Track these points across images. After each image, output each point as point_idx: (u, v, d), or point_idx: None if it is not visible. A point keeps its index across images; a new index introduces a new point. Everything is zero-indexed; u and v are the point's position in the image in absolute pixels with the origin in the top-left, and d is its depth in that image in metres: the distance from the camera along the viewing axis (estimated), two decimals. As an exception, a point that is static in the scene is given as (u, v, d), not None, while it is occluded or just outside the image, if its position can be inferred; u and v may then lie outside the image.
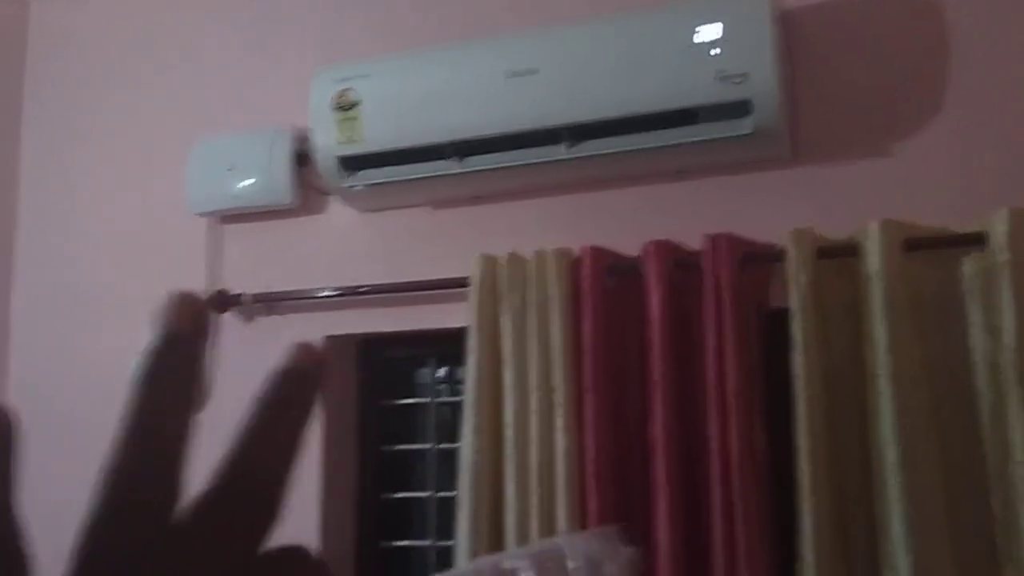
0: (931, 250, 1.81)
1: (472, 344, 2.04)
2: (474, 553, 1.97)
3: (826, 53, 2.03)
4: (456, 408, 2.13)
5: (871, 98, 1.98)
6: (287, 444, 0.36)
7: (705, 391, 1.87)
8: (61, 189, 2.77)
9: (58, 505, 2.56)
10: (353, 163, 2.20)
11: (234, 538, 0.35)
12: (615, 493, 1.92)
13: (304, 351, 0.37)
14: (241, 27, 2.63)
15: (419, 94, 2.12)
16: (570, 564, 1.53)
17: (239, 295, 2.40)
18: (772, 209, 2.01)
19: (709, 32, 1.87)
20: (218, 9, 2.67)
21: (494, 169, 2.10)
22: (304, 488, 2.31)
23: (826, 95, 2.01)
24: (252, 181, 2.39)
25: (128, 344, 2.54)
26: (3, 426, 0.34)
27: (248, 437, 0.36)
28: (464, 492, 2.00)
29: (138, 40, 2.75)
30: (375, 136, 2.15)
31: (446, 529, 2.10)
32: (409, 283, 2.24)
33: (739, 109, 1.88)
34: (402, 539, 2.43)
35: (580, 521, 1.90)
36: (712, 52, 1.87)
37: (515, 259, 2.06)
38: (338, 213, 2.39)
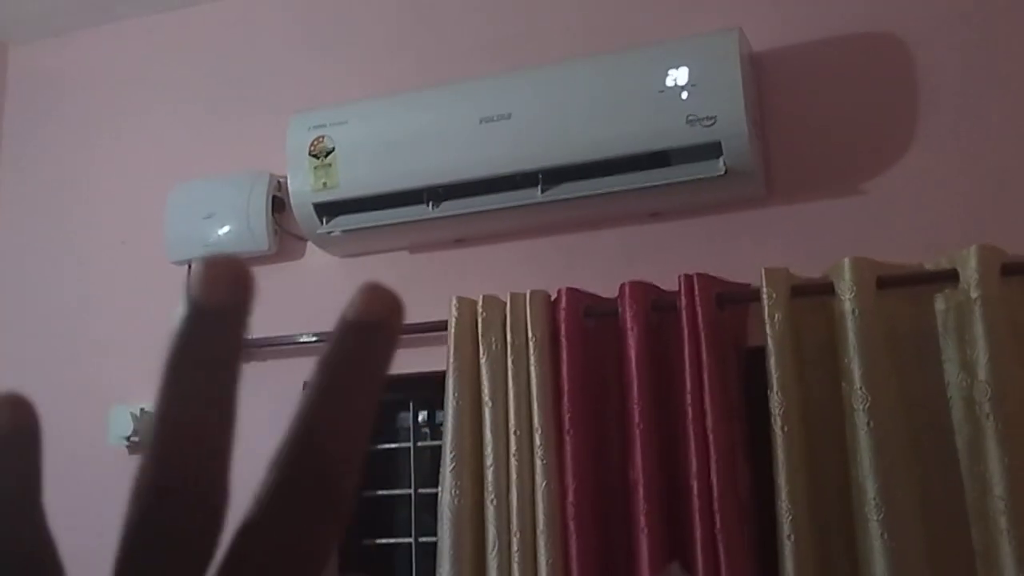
0: (904, 287, 1.84)
1: (451, 387, 2.04)
2: (456, 599, 1.95)
3: (797, 94, 2.06)
4: (437, 452, 2.13)
5: (842, 138, 2.01)
6: (358, 420, 0.29)
7: (685, 430, 1.87)
8: (38, 235, 2.76)
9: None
10: (329, 209, 2.21)
11: (301, 543, 0.28)
12: (597, 534, 1.92)
13: (373, 296, 0.30)
14: (219, 73, 2.64)
15: (393, 140, 2.14)
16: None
17: (217, 342, 2.40)
18: (747, 248, 2.03)
19: (679, 75, 1.90)
20: (196, 55, 2.68)
21: (470, 213, 2.11)
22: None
23: (797, 135, 2.04)
24: (229, 228, 2.40)
25: (102, 388, 2.52)
26: (26, 419, 0.28)
27: (312, 413, 0.29)
28: (444, 534, 1.99)
29: (116, 86, 2.76)
30: (350, 182, 2.16)
31: (429, 574, 2.08)
32: (388, 328, 2.24)
33: (710, 151, 1.90)
34: (385, 585, 2.41)
35: (563, 562, 1.90)
36: (682, 96, 1.90)
37: (492, 301, 2.07)
38: (315, 258, 2.39)
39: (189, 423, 0.28)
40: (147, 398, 2.44)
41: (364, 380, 0.29)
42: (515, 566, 1.93)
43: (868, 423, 1.75)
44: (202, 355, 0.28)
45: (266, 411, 2.57)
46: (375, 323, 0.29)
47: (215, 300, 0.28)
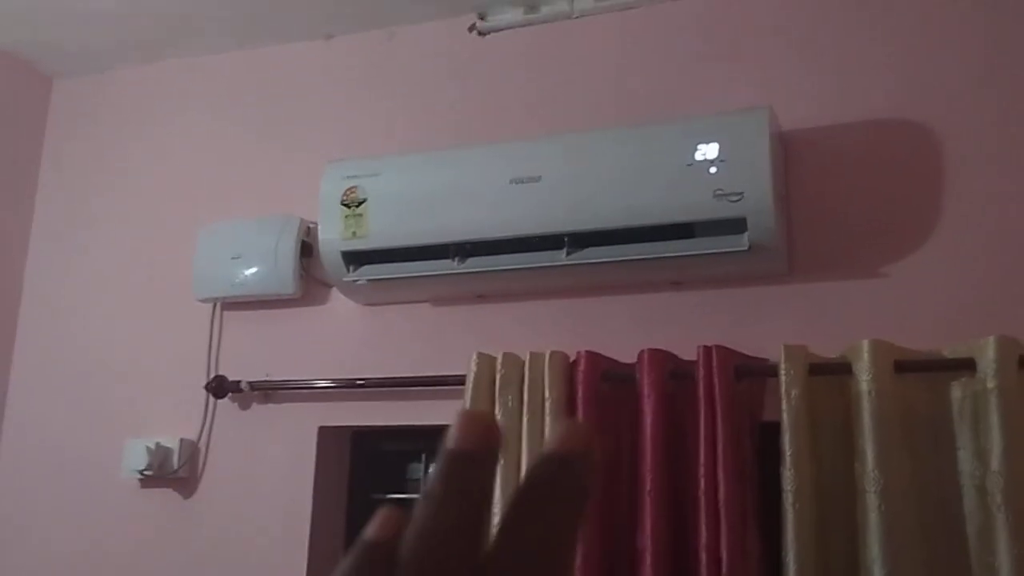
0: (921, 372, 1.85)
1: (465, 442, 2.05)
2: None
3: (823, 174, 2.09)
4: (446, 506, 2.14)
5: (865, 220, 2.04)
6: (556, 543, 0.32)
7: (696, 500, 1.88)
8: (69, 265, 2.80)
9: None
10: (356, 258, 2.25)
11: None
12: (602, 601, 1.91)
13: (571, 433, 0.33)
14: (256, 117, 2.69)
15: (425, 194, 2.18)
16: None
17: (237, 382, 2.42)
18: (766, 323, 2.05)
19: (708, 150, 1.94)
20: (235, 98, 2.74)
21: (494, 271, 2.14)
22: (290, 580, 2.30)
23: (821, 215, 2.07)
24: (256, 270, 2.43)
25: (119, 421, 2.55)
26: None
27: (509, 537, 0.32)
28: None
29: (155, 123, 2.81)
30: (380, 233, 2.20)
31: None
32: (406, 378, 2.27)
33: (735, 226, 1.93)
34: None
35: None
36: (711, 170, 1.93)
37: (511, 359, 2.09)
38: (339, 305, 2.42)
39: (442, 556, 0.31)
40: (162, 433, 2.47)
41: (560, 509, 0.32)
42: (518, 626, 1.92)
43: (880, 506, 1.75)
44: (458, 493, 0.32)
45: (281, 452, 2.60)
46: (573, 458, 0.32)
47: (470, 446, 0.32)
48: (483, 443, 0.33)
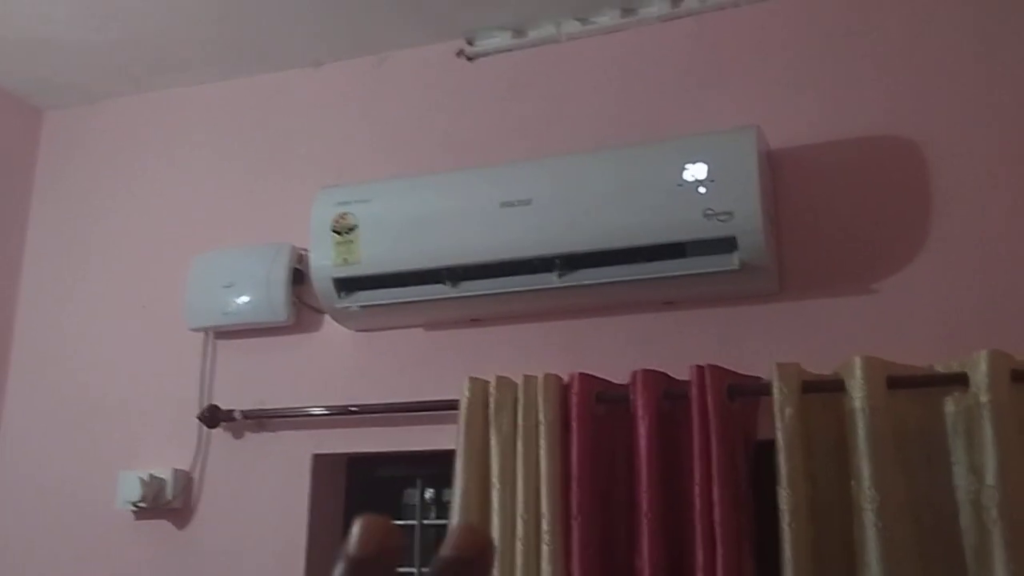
0: (914, 388, 1.85)
1: (460, 467, 2.05)
2: None
3: (811, 192, 2.10)
4: (443, 532, 2.13)
5: (855, 237, 2.05)
6: None
7: (692, 521, 1.87)
8: (61, 296, 2.80)
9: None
10: (348, 284, 2.25)
11: None
12: (600, 623, 1.90)
13: (468, 537, 0.35)
14: (247, 145, 2.70)
15: (416, 220, 2.18)
16: None
17: (231, 411, 2.41)
18: (758, 342, 2.05)
19: (697, 171, 1.95)
20: (225, 127, 2.75)
21: (487, 295, 2.14)
22: (286, 610, 2.28)
23: (811, 233, 2.08)
24: (249, 298, 2.43)
25: (113, 452, 2.53)
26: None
27: None
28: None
29: (146, 154, 2.82)
30: (371, 259, 2.20)
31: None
32: (400, 404, 2.26)
33: (725, 245, 1.94)
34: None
35: (564, 651, 1.88)
36: (700, 190, 1.94)
37: (505, 383, 2.09)
38: (332, 332, 2.42)
39: None
40: (156, 463, 2.45)
41: None
42: (517, 652, 1.91)
43: (876, 523, 1.75)
44: None
45: (276, 480, 2.59)
46: (470, 560, 0.35)
47: (368, 551, 0.35)
48: (381, 548, 0.35)
